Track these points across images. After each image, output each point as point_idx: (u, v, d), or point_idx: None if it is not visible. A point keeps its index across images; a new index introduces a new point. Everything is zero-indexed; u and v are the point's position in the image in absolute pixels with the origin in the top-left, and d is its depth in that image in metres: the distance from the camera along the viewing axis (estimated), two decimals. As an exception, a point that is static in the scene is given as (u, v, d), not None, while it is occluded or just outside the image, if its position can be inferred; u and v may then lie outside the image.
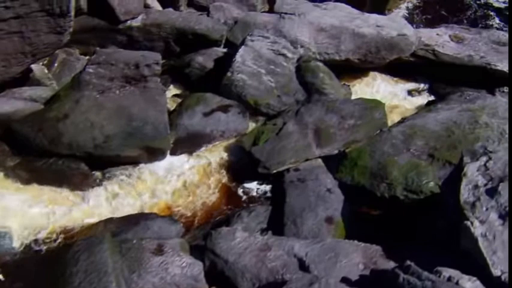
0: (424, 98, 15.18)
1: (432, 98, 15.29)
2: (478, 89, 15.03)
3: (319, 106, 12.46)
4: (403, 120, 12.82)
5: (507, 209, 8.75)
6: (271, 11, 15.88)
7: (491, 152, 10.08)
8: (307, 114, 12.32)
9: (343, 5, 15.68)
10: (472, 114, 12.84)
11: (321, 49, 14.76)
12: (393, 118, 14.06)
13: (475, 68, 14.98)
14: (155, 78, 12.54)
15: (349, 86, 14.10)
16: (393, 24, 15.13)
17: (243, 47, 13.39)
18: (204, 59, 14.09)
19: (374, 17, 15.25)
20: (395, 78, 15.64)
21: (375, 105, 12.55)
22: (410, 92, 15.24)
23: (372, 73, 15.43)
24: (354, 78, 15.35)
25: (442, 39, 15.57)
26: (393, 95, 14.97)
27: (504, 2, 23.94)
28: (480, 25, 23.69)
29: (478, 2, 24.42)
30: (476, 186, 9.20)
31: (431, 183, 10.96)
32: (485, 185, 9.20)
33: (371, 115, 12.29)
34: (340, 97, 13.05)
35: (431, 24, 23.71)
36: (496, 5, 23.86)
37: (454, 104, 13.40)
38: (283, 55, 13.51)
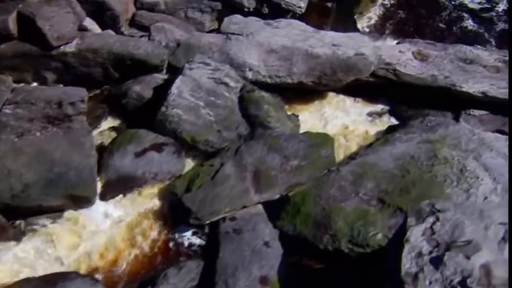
0: (384, 122, 13.96)
1: (394, 121, 14.01)
2: (443, 111, 13.91)
3: (261, 144, 11.28)
4: (354, 156, 11.66)
5: (453, 283, 7.61)
6: (220, 29, 14.58)
7: (439, 211, 8.93)
8: (248, 153, 11.13)
9: (297, 22, 14.42)
10: (431, 147, 11.70)
11: (271, 72, 13.55)
12: (350, 146, 12.93)
13: (439, 89, 13.80)
14: (80, 117, 11.38)
15: (297, 116, 12.91)
16: (351, 42, 13.87)
17: (180, 77, 12.17)
18: (142, 88, 12.86)
19: (330, 35, 14.03)
20: (354, 100, 14.45)
21: (323, 142, 11.37)
22: (370, 115, 13.99)
23: (328, 94, 14.20)
24: (308, 101, 14.17)
25: (404, 57, 14.33)
26: (351, 120, 13.75)
27: (479, 3, 22.65)
28: (454, 28, 22.55)
29: (453, 2, 23.11)
30: (420, 254, 8.12)
31: (379, 236, 9.86)
32: (430, 252, 8.13)
33: (317, 153, 11.13)
34: (287, 131, 11.86)
35: (402, 28, 22.62)
36: (470, 6, 22.57)
37: (413, 134, 12.25)
38: (225, 84, 12.29)
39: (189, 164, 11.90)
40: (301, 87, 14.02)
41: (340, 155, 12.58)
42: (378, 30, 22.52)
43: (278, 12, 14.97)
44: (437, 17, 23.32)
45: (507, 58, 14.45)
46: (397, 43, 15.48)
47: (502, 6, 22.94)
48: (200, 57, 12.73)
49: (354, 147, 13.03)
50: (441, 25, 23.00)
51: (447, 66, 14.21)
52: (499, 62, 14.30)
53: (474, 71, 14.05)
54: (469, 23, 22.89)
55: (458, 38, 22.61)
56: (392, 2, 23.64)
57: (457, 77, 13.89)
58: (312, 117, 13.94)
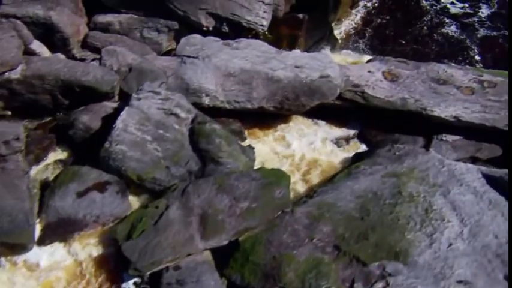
0: (352, 148, 13.10)
1: (362, 147, 13.14)
2: (414, 135, 13.06)
3: (210, 183, 10.41)
4: (312, 194, 10.76)
5: None
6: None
7: (390, 274, 8.06)
8: (195, 194, 10.28)
9: (258, 42, 13.51)
10: (396, 182, 10.88)
11: (229, 97, 12.66)
12: (311, 179, 12.05)
13: (409, 113, 12.90)
14: (16, 156, 10.53)
15: (253, 148, 12.04)
16: (315, 64, 12.96)
17: (126, 108, 11.28)
18: (90, 118, 11.97)
19: (293, 56, 13.13)
20: (320, 124, 13.48)
21: (277, 180, 10.49)
22: (337, 141, 13.11)
23: (292, 118, 13.32)
24: (271, 126, 13.31)
25: (373, 78, 13.40)
26: (315, 146, 12.88)
27: (462, 8, 21.66)
28: (435, 34, 21.57)
29: (434, 7, 22.10)
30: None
31: (332, 289, 8.95)
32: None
33: (270, 194, 10.26)
34: (240, 166, 10.99)
35: (382, 35, 21.64)
36: (452, 11, 21.58)
37: (379, 165, 11.41)
38: (176, 115, 11.41)
39: (135, 203, 11.04)
40: (263, 112, 13.03)
41: (299, 189, 11.73)
42: (356, 38, 21.62)
43: (239, 31, 13.98)
44: (418, 22, 22.36)
45: (482, 77, 13.51)
46: (367, 61, 14.51)
47: (485, 12, 21.94)
48: (149, 86, 11.82)
49: (316, 179, 12.16)
50: (422, 32, 22.05)
51: (419, 87, 13.27)
52: (474, 82, 13.37)
53: (447, 92, 13.13)
54: (451, 29, 21.93)
55: (440, 44, 21.76)
56: (372, 7, 22.64)
57: (429, 100, 12.96)
58: (273, 144, 13.04)
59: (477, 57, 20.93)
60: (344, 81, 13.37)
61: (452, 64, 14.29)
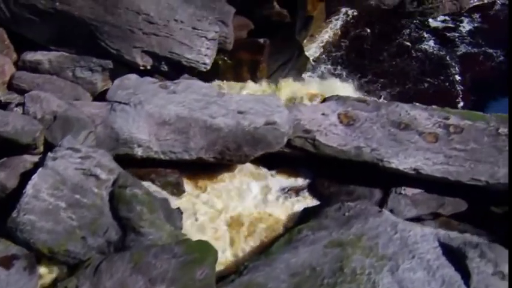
0: (301, 201, 11.90)
1: (312, 200, 11.88)
2: (371, 187, 11.82)
3: (126, 260, 9.24)
4: (242, 271, 9.50)
5: None
6: (112, 92, 12.37)
7: None
8: (108, 274, 9.11)
9: (198, 83, 12.23)
10: (339, 254, 9.73)
11: (165, 147, 11.43)
12: (249, 243, 10.95)
13: (364, 163, 11.53)
14: None
15: (182, 213, 10.73)
16: (261, 108, 11.68)
17: (40, 170, 10.07)
18: (7, 175, 10.78)
19: (236, 100, 11.85)
20: (268, 172, 12.26)
21: (201, 257, 9.32)
22: (285, 193, 11.89)
23: (237, 166, 12.01)
24: (213, 175, 12.22)
25: (327, 122, 12.11)
26: (260, 199, 11.74)
27: (443, 22, 20.18)
28: (413, 50, 20.16)
29: (414, 21, 20.61)
30: None
31: None
32: None
33: (191, 275, 9.07)
34: (163, 237, 9.76)
35: (358, 51, 20.22)
36: (433, 24, 20.13)
37: (324, 230, 10.25)
38: (96, 177, 10.17)
39: (47, 278, 9.77)
40: (202, 162, 11.77)
41: (233, 259, 10.48)
42: (329, 56, 20.23)
43: (181, 69, 12.65)
44: (397, 37, 20.91)
45: (448, 121, 12.17)
46: (323, 100, 13.20)
47: (466, 26, 20.43)
48: (69, 141, 10.58)
49: (255, 242, 10.96)
50: (401, 47, 20.62)
51: (377, 133, 11.97)
52: (438, 126, 12.03)
53: (408, 140, 11.82)
54: (431, 45, 20.49)
55: (419, 60, 20.31)
56: (348, 20, 21.18)
57: (386, 148, 11.66)
58: (212, 199, 11.84)
59: (457, 77, 19.54)
60: (294, 126, 12.10)
61: (417, 104, 12.71)
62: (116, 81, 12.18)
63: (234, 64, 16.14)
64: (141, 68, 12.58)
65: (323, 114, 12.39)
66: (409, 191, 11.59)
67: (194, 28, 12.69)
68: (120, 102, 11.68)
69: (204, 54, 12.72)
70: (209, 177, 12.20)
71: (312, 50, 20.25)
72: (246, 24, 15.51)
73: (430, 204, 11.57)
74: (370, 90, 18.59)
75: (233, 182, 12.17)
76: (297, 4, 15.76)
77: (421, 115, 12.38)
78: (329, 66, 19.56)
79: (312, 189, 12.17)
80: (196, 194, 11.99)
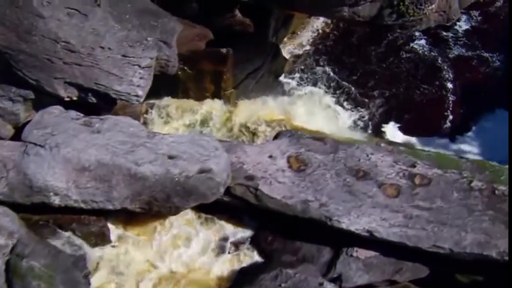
0: (240, 258, 10.56)
1: (253, 257, 10.41)
2: (319, 245, 10.45)
3: None
4: None
5: None
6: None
7: None
8: None
9: (127, 121, 10.67)
10: None
11: (85, 196, 10.04)
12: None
13: (311, 221, 9.93)
14: None
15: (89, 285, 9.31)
16: (196, 152, 10.14)
17: None
18: None
19: (168, 142, 10.33)
20: (208, 221, 10.82)
21: None
22: (222, 246, 10.41)
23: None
24: (143, 224, 10.92)
25: (274, 166, 10.54)
26: (194, 252, 10.47)
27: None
28: (402, 51, 18.18)
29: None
30: None
31: None
32: None
33: None
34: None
35: (343, 50, 18.32)
36: (425, 25, 17.93)
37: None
38: (-9, 242, 8.66)
39: None
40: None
41: None
42: (311, 56, 18.35)
43: (111, 101, 11.01)
44: (386, 34, 18.89)
45: (415, 169, 10.54)
46: (275, 137, 11.54)
47: (463, 26, 18.28)
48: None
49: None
50: (389, 47, 18.62)
51: (329, 183, 10.38)
52: (402, 176, 10.40)
53: (364, 193, 10.25)
54: (421, 45, 18.47)
55: (409, 62, 18.34)
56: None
57: (338, 204, 10.09)
58: (141, 250, 10.43)
59: (449, 85, 17.62)
60: (236, 171, 10.53)
61: (382, 145, 11.04)
62: (36, 117, 10.69)
63: (196, 74, 14.58)
64: (66, 99, 10.90)
65: (270, 156, 10.76)
66: (362, 253, 10.06)
67: (124, 56, 10.94)
68: (35, 144, 10.16)
69: (137, 85, 11.00)
70: (140, 225, 10.85)
71: (292, 49, 18.35)
72: (205, 35, 13.77)
73: (386, 269, 10.05)
74: (353, 100, 16.81)
75: (166, 231, 10.73)
76: (265, 11, 13.78)
77: (383, 161, 10.70)
78: (308, 69, 17.68)
79: (255, 243, 10.78)
80: (123, 245, 10.51)
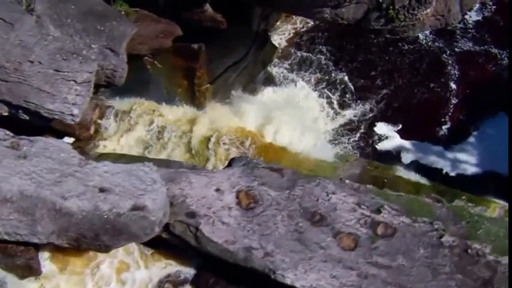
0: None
1: (195, 300, 9.43)
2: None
3: None
4: None
5: None
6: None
7: None
8: None
9: (58, 145, 9.60)
10: None
11: (8, 228, 9.27)
12: None
13: (254, 271, 8.83)
14: None
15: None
16: (130, 186, 9.11)
17: None
18: None
19: (101, 172, 9.24)
20: (150, 255, 9.78)
21: None
22: (163, 285, 9.42)
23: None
24: (76, 256, 9.74)
25: (220, 203, 9.43)
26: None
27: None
28: (405, 43, 16.48)
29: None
30: None
31: None
32: None
33: None
34: None
35: (342, 35, 16.69)
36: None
37: None
38: None
39: None
40: (61, 245, 9.36)
41: None
42: (304, 42, 16.77)
43: (46, 119, 9.86)
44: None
45: (379, 216, 9.26)
46: (228, 164, 10.29)
47: (473, 16, 16.34)
48: None
49: None
50: (387, 37, 16.80)
51: (279, 227, 9.26)
52: (364, 224, 9.19)
53: (317, 243, 9.33)
54: (425, 36, 16.67)
55: (409, 54, 16.63)
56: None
57: (284, 255, 9.00)
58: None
59: (452, 84, 15.94)
60: (178, 205, 9.39)
61: (347, 181, 9.67)
62: None
63: (167, 69, 13.38)
64: (-5, 116, 9.80)
65: (218, 190, 9.55)
66: (308, 308, 8.84)
67: (57, 70, 9.68)
68: None
69: (72, 103, 9.78)
70: (74, 256, 9.72)
71: (283, 34, 16.77)
72: (171, 31, 12.48)
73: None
74: (345, 97, 15.33)
75: (102, 265, 9.63)
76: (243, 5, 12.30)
77: (345, 203, 9.43)
78: (299, 57, 16.20)
79: (195, 284, 9.53)
80: (54, 279, 9.56)
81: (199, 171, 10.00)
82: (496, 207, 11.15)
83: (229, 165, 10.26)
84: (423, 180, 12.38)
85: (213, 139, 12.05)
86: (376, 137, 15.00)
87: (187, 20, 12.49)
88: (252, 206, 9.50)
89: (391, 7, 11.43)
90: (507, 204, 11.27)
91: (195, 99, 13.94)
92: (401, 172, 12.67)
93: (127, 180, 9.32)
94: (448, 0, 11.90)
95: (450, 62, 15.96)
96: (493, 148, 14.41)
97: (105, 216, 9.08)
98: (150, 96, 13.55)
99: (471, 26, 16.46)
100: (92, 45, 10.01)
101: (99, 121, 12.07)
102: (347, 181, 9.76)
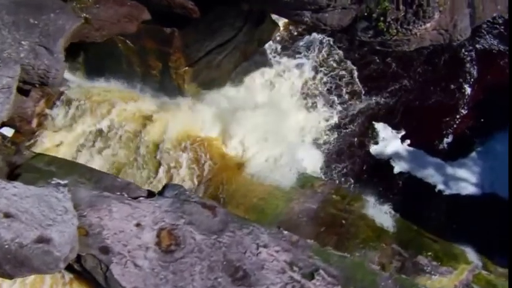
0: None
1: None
2: None
3: None
4: None
5: None
6: None
7: None
8: None
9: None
10: None
11: None
12: None
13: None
14: None
15: None
16: (39, 213, 8.37)
17: None
18: None
19: (9, 193, 8.35)
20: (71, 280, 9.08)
21: None
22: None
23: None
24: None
25: (138, 241, 8.68)
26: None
27: None
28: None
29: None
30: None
31: None
32: None
33: None
34: None
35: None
36: None
37: None
38: None
39: None
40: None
41: None
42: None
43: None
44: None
45: (310, 283, 8.08)
46: (160, 191, 9.18)
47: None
48: None
49: None
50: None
51: (194, 281, 8.51)
52: (292, 281, 8.04)
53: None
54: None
55: (423, 49, 14.56)
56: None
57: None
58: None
59: (466, 88, 14.07)
60: (93, 236, 8.43)
61: (285, 232, 8.52)
62: None
63: (138, 50, 12.14)
64: None
65: (138, 225, 8.53)
66: None
67: (-30, 75, 8.56)
68: None
69: (-13, 113, 8.72)
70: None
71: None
72: (137, 15, 11.15)
73: None
74: (346, 90, 13.71)
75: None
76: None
77: (275, 261, 8.39)
78: (297, 38, 14.47)
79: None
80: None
81: (124, 199, 8.93)
82: (464, 270, 9.73)
83: (162, 191, 9.12)
84: (388, 223, 10.89)
85: (163, 146, 10.77)
86: (375, 136, 13.44)
87: (156, 5, 10.98)
88: (172, 249, 8.48)
89: (381, 19, 9.65)
90: (480, 264, 9.84)
91: (172, 81, 12.67)
92: (369, 207, 11.18)
93: (36, 206, 8.38)
94: (455, 13, 9.96)
95: (469, 59, 13.98)
96: (497, 166, 12.67)
97: (6, 246, 8.22)
98: (122, 77, 12.35)
99: (501, 22, 14.19)
100: (22, 42, 8.78)
101: (47, 111, 10.98)
102: (285, 232, 8.53)
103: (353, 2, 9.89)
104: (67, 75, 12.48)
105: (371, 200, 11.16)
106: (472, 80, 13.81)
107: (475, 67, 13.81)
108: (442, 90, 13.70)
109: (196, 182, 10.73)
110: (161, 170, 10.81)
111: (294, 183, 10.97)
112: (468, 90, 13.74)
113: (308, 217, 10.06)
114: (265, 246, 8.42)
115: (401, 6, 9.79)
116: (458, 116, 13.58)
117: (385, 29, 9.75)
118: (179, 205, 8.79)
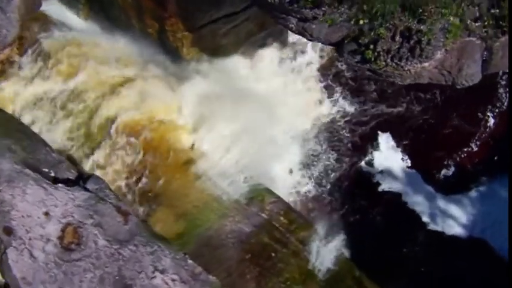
0: None
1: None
2: None
3: None
4: None
5: None
6: None
7: None
8: None
9: None
10: None
11: None
12: None
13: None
14: None
15: None
16: None
17: None
18: None
19: None
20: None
21: None
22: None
23: None
24: None
25: (41, 230, 8.64)
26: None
27: None
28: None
29: None
30: None
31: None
32: None
33: None
34: None
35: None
36: None
37: None
38: None
39: None
40: None
41: None
42: None
43: None
44: None
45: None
46: (86, 178, 8.76)
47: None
48: None
49: None
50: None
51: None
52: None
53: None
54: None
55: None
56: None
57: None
58: None
59: (489, 116, 12.54)
60: (2, 213, 8.31)
61: (190, 261, 8.02)
62: None
63: (135, 5, 11.33)
64: None
65: (46, 214, 8.24)
66: None
67: None
68: None
69: None
70: None
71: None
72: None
73: None
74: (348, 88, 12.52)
75: None
76: None
77: (168, 290, 7.83)
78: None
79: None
80: None
81: (42, 181, 8.52)
82: None
83: (85, 181, 8.65)
84: (323, 265, 9.93)
85: (115, 125, 10.01)
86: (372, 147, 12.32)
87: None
88: (72, 248, 8.15)
89: (371, 46, 8.31)
90: None
91: (171, 43, 11.84)
92: (313, 240, 10.17)
93: None
94: (463, 57, 8.50)
95: (503, 84, 12.09)
96: (490, 217, 11.41)
97: None
98: (120, 31, 11.57)
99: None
100: (-29, 0, 8.14)
101: (16, 58, 10.39)
102: (189, 261, 7.95)
103: (345, 19, 8.52)
104: (68, 13, 11.82)
105: (322, 231, 10.16)
106: (498, 110, 12.08)
107: (505, 93, 12.01)
108: (464, 114, 12.11)
109: (132, 175, 10.06)
110: (99, 152, 10.10)
111: (241, 195, 10.07)
112: (491, 121, 12.07)
113: (237, 240, 9.33)
114: (162, 272, 7.89)
115: (397, 37, 8.37)
116: (470, 147, 12.05)
117: (372, 59, 8.42)
118: (93, 202, 8.32)
